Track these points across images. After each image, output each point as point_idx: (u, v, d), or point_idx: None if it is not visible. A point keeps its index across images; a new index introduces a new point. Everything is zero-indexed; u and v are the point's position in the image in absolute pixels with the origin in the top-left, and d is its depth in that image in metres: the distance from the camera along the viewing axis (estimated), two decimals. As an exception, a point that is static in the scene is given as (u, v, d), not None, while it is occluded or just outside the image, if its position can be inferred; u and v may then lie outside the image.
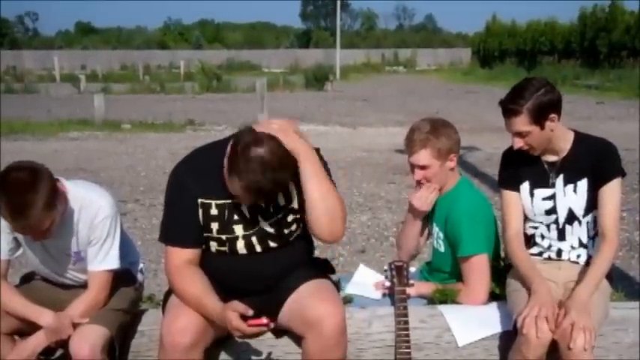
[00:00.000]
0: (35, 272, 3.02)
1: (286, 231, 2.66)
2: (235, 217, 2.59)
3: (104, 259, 2.80)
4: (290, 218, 2.65)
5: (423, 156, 3.04)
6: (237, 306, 2.39)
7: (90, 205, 2.76)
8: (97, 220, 2.76)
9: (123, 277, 2.96)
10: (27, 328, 2.76)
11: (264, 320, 2.36)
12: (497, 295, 3.09)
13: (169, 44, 71.18)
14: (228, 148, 2.41)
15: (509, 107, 2.80)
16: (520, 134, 2.82)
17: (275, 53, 57.15)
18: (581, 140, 2.93)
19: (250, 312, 2.37)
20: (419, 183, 3.13)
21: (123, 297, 2.93)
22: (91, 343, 2.64)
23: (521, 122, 2.78)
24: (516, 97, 2.80)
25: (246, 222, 2.60)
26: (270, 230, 2.63)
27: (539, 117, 2.77)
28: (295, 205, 2.63)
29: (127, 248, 3.03)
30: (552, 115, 2.80)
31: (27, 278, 3.05)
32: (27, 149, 11.65)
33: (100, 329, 2.71)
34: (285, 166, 2.39)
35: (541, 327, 2.57)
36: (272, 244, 2.65)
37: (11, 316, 2.74)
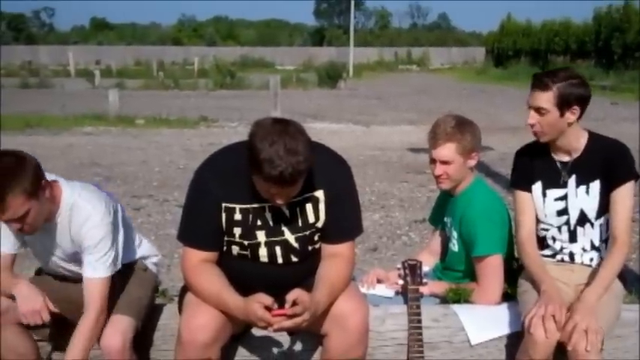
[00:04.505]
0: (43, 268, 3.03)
1: (310, 248, 2.64)
2: (259, 222, 2.56)
3: (96, 268, 2.72)
4: (316, 237, 2.64)
5: (448, 150, 3.02)
6: (264, 298, 2.37)
7: (79, 211, 2.70)
8: (85, 228, 2.70)
9: (144, 270, 3.01)
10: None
11: (289, 311, 2.34)
12: (510, 296, 3.09)
13: (183, 41, 71.26)
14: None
15: (541, 79, 2.80)
16: (539, 110, 2.81)
17: (288, 51, 57.17)
18: (595, 141, 2.91)
19: (275, 305, 2.36)
20: (438, 178, 3.10)
21: (147, 289, 2.96)
22: (123, 332, 2.67)
23: (546, 99, 2.77)
24: (553, 74, 2.81)
25: (269, 229, 2.57)
26: (295, 245, 2.60)
27: (564, 103, 2.76)
28: (320, 224, 2.61)
29: (132, 243, 3.03)
30: (575, 108, 2.78)
31: (40, 272, 3.07)
32: (41, 143, 11.70)
33: (129, 320, 2.73)
34: (302, 150, 2.30)
35: (548, 327, 2.55)
36: (294, 259, 2.63)
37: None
